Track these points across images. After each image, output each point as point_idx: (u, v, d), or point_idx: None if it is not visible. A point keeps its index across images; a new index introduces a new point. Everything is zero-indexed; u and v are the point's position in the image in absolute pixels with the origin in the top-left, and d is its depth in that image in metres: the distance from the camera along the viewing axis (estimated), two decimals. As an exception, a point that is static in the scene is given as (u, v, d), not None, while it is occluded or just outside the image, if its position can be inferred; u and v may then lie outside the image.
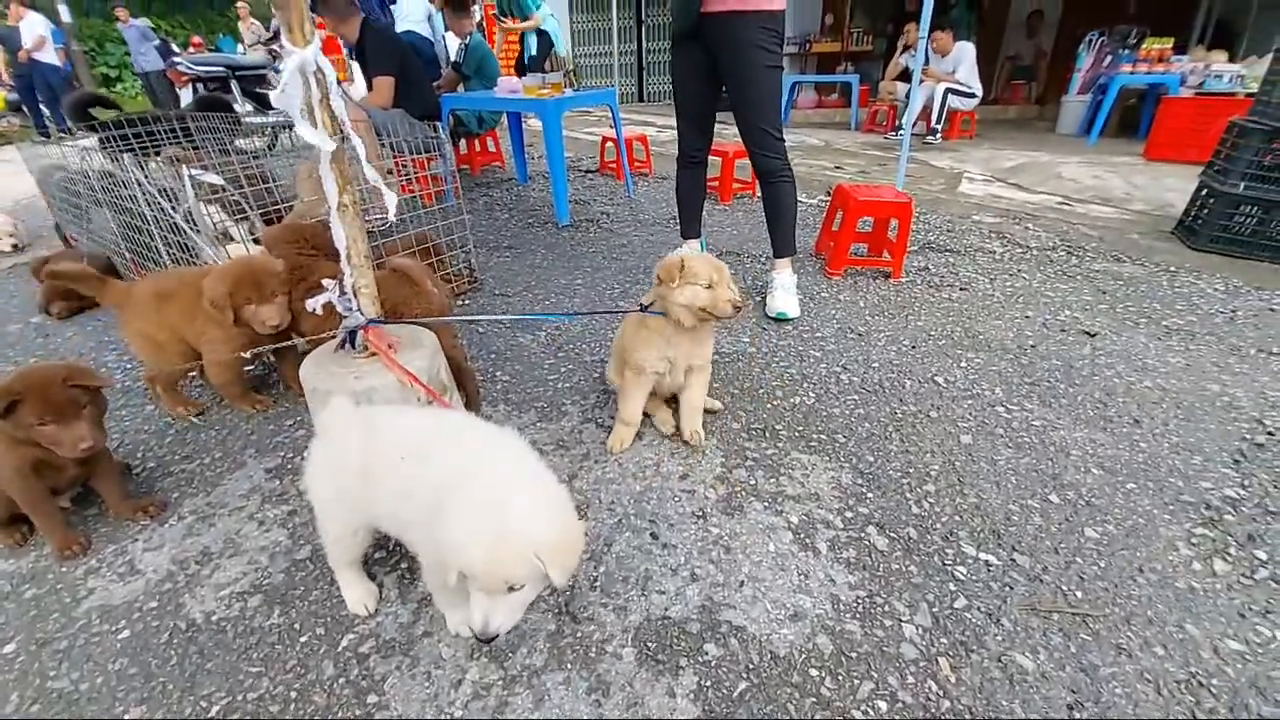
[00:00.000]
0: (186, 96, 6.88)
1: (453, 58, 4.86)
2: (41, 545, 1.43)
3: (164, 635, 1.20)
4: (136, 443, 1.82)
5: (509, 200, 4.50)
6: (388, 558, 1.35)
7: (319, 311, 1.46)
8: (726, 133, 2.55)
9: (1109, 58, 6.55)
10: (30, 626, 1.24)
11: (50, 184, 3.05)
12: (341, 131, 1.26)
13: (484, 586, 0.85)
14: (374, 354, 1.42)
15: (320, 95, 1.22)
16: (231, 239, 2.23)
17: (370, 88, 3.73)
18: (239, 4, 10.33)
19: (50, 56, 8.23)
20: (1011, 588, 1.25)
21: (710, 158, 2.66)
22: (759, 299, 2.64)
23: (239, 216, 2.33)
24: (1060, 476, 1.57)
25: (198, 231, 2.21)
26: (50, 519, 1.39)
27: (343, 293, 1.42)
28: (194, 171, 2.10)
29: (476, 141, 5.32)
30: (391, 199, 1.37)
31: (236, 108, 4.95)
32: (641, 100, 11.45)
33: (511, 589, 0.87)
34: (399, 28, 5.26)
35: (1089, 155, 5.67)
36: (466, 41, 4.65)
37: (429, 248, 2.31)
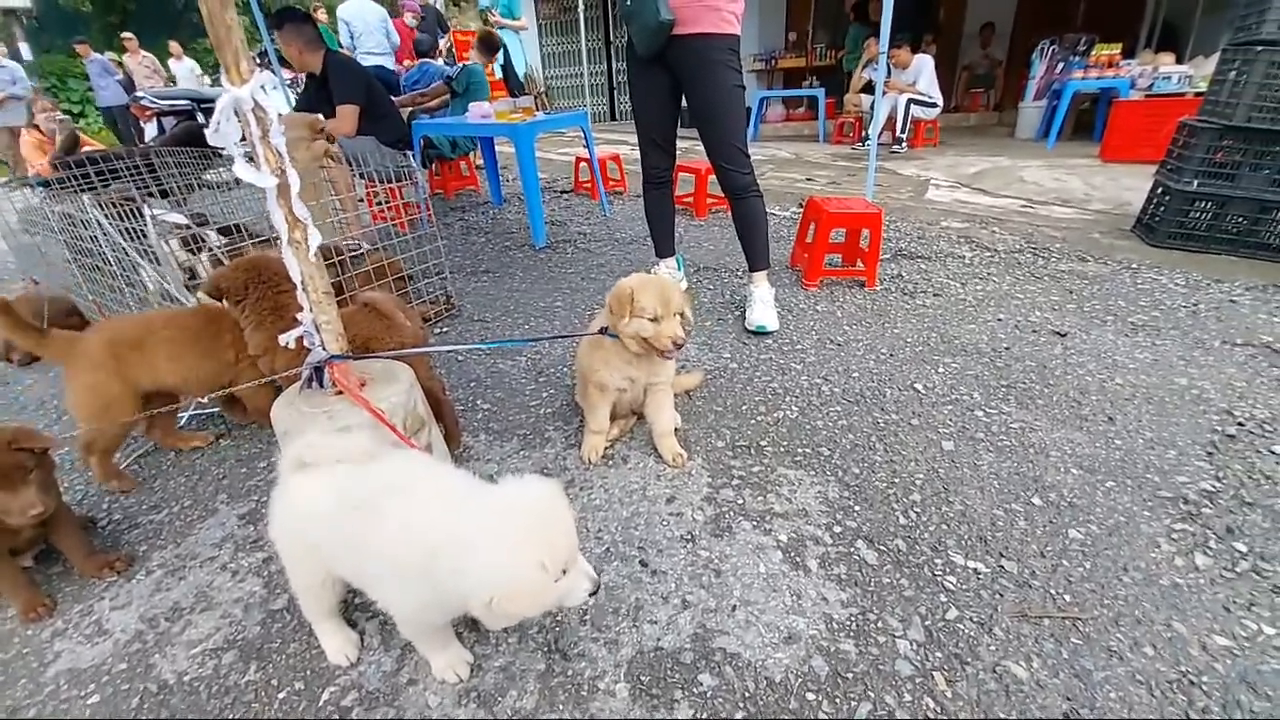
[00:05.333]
0: (151, 130, 6.76)
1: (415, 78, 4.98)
2: (4, 608, 1.36)
3: (134, 699, 1.15)
4: (101, 494, 1.75)
5: (485, 224, 4.49)
6: (368, 602, 1.31)
7: (292, 346, 1.43)
8: (699, 149, 2.58)
9: (1061, 65, 6.81)
10: (-9, 697, 1.17)
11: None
12: (282, 168, 1.23)
13: (568, 563, 0.96)
14: (341, 392, 1.39)
15: (260, 132, 1.19)
16: (196, 277, 2.17)
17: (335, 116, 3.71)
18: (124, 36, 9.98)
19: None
20: (1001, 595, 1.25)
21: (682, 174, 2.68)
22: (738, 313, 2.65)
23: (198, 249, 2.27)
24: (1041, 479, 1.58)
25: (156, 270, 2.16)
26: (11, 582, 1.32)
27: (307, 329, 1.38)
28: (157, 211, 2.06)
29: (450, 165, 5.31)
30: (315, 237, 1.33)
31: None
32: (614, 119, 11.55)
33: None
34: (364, 63, 5.31)
35: (1048, 159, 5.85)
36: (464, 64, 4.80)
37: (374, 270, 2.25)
